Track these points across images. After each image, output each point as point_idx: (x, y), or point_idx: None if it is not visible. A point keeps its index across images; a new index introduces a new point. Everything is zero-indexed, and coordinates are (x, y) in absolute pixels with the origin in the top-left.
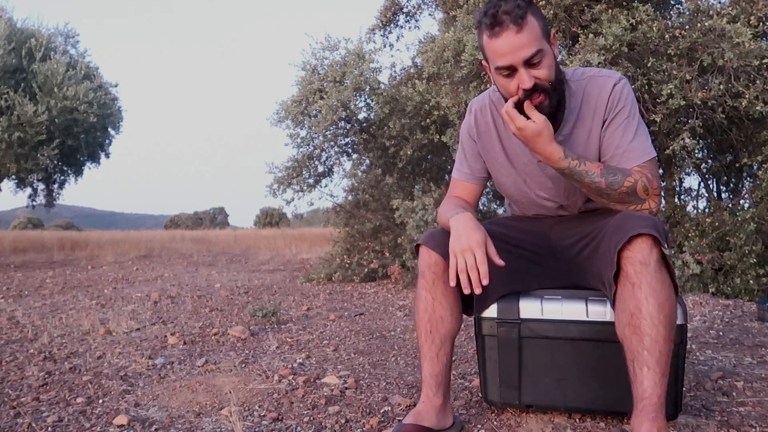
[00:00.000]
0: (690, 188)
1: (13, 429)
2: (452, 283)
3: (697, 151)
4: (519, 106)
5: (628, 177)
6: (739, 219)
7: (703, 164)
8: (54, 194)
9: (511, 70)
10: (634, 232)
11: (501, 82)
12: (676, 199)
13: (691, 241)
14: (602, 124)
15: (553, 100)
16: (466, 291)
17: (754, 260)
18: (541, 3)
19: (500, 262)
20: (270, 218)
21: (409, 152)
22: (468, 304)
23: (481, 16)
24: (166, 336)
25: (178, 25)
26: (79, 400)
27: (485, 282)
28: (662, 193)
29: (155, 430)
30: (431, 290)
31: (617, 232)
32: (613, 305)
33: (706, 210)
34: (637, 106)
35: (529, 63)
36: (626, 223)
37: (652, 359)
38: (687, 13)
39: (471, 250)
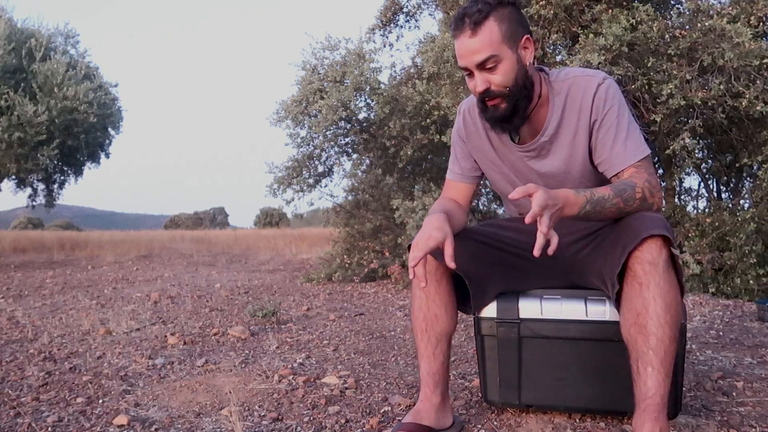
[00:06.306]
0: (690, 188)
1: (13, 429)
2: (410, 275)
3: (697, 151)
4: (482, 103)
5: (635, 187)
6: (739, 219)
7: (703, 164)
8: (54, 194)
9: (468, 71)
10: (645, 234)
11: (466, 79)
12: (676, 199)
13: (691, 241)
14: (588, 126)
15: (509, 104)
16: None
17: (754, 260)
18: (541, 3)
19: (451, 265)
20: (270, 218)
21: (409, 152)
22: (464, 302)
23: (455, 13)
24: (166, 336)
25: (178, 26)
26: (79, 400)
27: (410, 276)
28: (661, 187)
29: (155, 430)
30: (425, 289)
31: (627, 233)
32: (616, 305)
33: (706, 210)
34: (625, 104)
35: (483, 67)
36: (636, 223)
37: (656, 359)
38: (687, 13)
39: (414, 247)
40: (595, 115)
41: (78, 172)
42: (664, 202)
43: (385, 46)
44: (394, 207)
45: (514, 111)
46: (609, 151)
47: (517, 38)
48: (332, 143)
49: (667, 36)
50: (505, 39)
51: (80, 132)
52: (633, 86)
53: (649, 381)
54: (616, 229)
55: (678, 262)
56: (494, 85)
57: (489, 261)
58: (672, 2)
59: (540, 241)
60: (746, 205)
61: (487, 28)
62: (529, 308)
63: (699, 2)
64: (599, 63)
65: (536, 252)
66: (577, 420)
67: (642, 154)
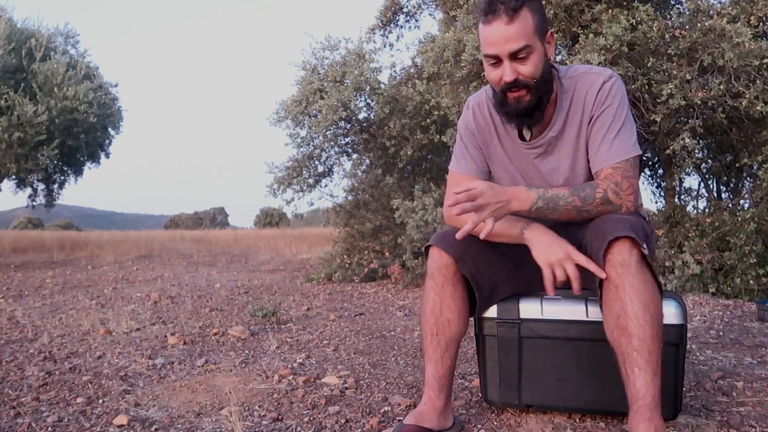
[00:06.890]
0: (690, 188)
1: (13, 429)
2: (551, 293)
3: (697, 151)
4: (503, 95)
5: (597, 188)
6: (739, 219)
7: (703, 164)
8: (54, 194)
9: (496, 60)
10: (611, 236)
11: (487, 69)
12: (676, 199)
13: (691, 241)
14: (589, 122)
15: (534, 97)
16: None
17: (754, 260)
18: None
19: (602, 275)
20: (270, 218)
21: (409, 152)
22: (473, 306)
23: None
24: (166, 336)
25: (178, 26)
26: (79, 400)
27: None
28: (638, 190)
29: (155, 430)
30: (440, 293)
31: (597, 237)
32: (601, 310)
33: (706, 210)
34: (626, 104)
35: (515, 56)
36: (604, 226)
37: (641, 359)
38: (687, 13)
39: (568, 260)
40: (594, 111)
41: (78, 172)
42: (664, 202)
43: (385, 46)
44: (394, 207)
45: (537, 104)
46: (596, 149)
47: (545, 32)
48: (332, 143)
49: (667, 36)
50: (536, 30)
51: (80, 132)
52: (633, 86)
53: (638, 382)
54: (589, 235)
55: (650, 261)
56: (522, 75)
57: (498, 267)
58: (672, 2)
59: (467, 227)
60: (746, 205)
61: (523, 17)
62: (530, 309)
63: (699, 2)
64: (599, 63)
65: (459, 236)
66: (577, 420)
67: (626, 155)
